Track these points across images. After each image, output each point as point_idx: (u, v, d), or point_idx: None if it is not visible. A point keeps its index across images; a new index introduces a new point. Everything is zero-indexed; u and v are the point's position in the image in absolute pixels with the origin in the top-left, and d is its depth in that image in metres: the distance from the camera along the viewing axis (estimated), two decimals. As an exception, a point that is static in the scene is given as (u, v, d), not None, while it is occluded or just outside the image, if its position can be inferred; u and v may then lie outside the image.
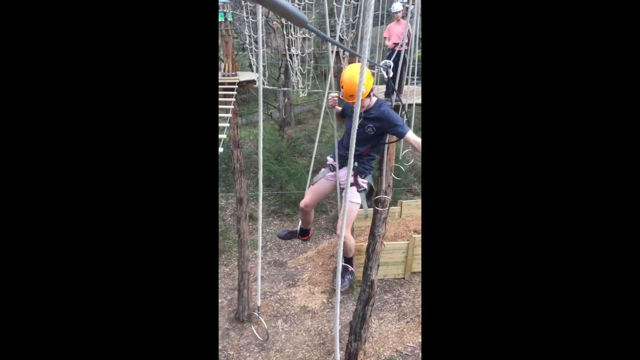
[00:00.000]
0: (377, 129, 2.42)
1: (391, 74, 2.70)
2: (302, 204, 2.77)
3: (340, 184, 2.65)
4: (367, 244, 5.71)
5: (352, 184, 2.54)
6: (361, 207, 2.59)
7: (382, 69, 2.76)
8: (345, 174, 2.45)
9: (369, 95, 2.35)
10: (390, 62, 2.63)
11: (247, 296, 7.31)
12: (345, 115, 2.65)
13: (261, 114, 1.94)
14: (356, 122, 1.13)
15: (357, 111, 1.12)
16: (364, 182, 2.58)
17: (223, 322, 7.46)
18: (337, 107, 2.59)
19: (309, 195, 2.76)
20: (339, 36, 7.57)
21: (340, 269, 1.41)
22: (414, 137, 2.33)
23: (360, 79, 0.99)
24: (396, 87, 4.69)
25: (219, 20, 5.93)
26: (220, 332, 7.22)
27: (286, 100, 13.88)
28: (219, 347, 6.90)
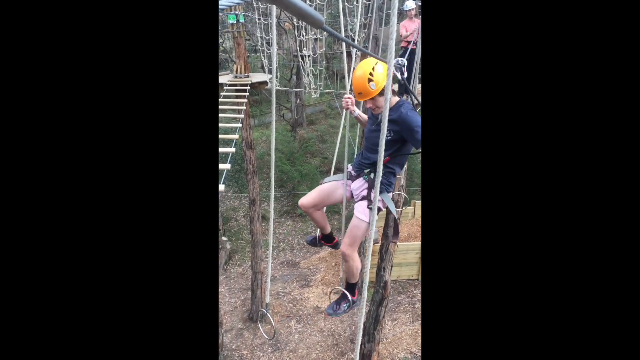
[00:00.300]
0: (395, 133, 2.09)
1: (405, 74, 2.43)
2: (300, 201, 2.45)
3: (354, 196, 2.30)
4: (380, 244, 5.67)
5: (363, 198, 2.21)
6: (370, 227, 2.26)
7: (394, 68, 2.56)
8: (359, 186, 2.24)
9: (382, 94, 2.02)
10: (404, 60, 2.39)
11: (260, 296, 7.35)
12: (368, 117, 2.36)
13: (274, 114, 1.94)
14: (384, 123, 1.01)
15: (386, 112, 1.05)
16: (379, 200, 2.17)
17: (236, 322, 7.52)
18: (352, 108, 2.35)
19: (312, 194, 2.43)
20: (350, 36, 7.55)
21: (364, 283, 1.23)
22: None
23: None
24: (410, 86, 4.66)
25: (231, 22, 5.98)
26: (233, 332, 7.27)
27: (298, 100, 13.92)
28: (233, 347, 6.95)
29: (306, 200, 2.41)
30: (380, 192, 2.18)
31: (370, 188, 2.18)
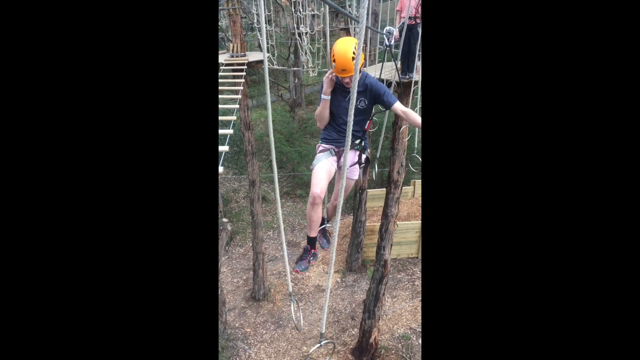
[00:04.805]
0: (368, 101, 2.41)
1: (392, 42, 2.67)
2: (315, 195, 2.34)
3: (340, 165, 2.51)
4: (380, 224, 5.71)
5: (356, 163, 2.62)
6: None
7: (384, 36, 2.72)
8: (352, 158, 2.57)
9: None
10: (393, 29, 2.60)
11: (262, 276, 7.45)
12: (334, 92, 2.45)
13: (268, 91, 1.90)
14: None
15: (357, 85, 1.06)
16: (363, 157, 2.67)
17: (239, 301, 7.66)
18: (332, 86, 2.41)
19: (322, 182, 2.38)
20: (349, 12, 7.35)
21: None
22: (401, 107, 2.30)
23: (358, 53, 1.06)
24: (412, 63, 4.56)
25: (226, -1, 5.80)
26: (236, 311, 7.42)
27: (296, 80, 13.71)
28: (237, 324, 7.11)
29: (320, 189, 2.36)
30: (365, 150, 2.68)
31: (361, 153, 2.62)
